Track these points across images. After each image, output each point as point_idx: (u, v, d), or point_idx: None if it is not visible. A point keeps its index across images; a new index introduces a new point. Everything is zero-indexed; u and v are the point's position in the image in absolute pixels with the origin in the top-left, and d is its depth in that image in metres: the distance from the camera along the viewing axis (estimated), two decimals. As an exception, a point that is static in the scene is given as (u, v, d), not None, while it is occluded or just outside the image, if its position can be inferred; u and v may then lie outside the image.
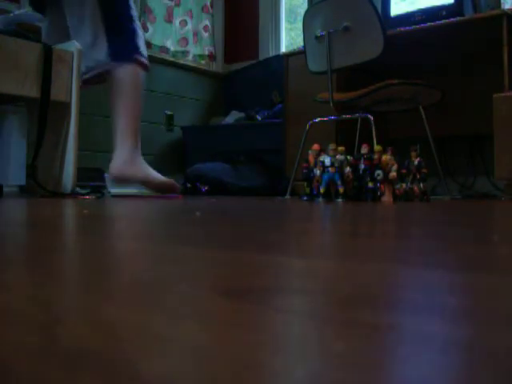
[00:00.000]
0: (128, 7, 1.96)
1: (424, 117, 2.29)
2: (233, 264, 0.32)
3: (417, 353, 0.15)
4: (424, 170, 1.74)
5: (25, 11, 1.82)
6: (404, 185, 1.72)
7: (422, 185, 1.72)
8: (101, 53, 1.90)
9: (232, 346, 0.16)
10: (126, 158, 1.83)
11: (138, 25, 1.98)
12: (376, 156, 1.75)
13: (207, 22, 3.74)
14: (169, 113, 3.54)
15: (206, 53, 3.75)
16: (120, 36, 1.93)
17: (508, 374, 0.13)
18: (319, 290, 0.24)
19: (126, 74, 1.90)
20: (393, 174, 1.69)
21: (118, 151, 1.85)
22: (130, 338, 0.17)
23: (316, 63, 2.31)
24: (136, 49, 1.93)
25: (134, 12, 2.00)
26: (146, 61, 1.96)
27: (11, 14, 1.75)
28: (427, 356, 0.15)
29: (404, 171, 1.74)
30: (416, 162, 1.74)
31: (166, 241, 0.46)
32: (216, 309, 0.21)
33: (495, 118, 1.97)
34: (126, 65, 1.90)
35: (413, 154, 1.76)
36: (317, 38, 2.25)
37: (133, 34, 1.95)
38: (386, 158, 1.71)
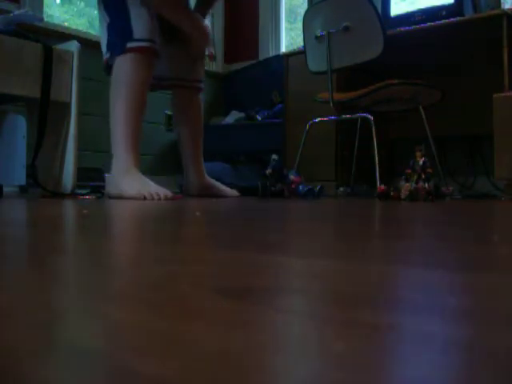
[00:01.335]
0: None
1: (424, 117, 2.29)
2: (233, 264, 0.32)
3: (417, 353, 0.15)
4: (429, 170, 1.74)
5: (25, 11, 1.82)
6: (409, 185, 1.72)
7: (426, 185, 1.72)
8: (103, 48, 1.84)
9: (232, 345, 0.16)
10: (116, 176, 1.72)
11: (133, 4, 1.76)
12: None
13: (207, 22, 3.74)
14: (169, 113, 3.55)
15: (206, 53, 3.75)
16: (111, 24, 1.81)
17: (508, 374, 0.13)
18: (319, 290, 0.24)
19: (115, 69, 1.77)
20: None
21: (112, 165, 1.75)
22: (130, 338, 0.17)
23: (316, 63, 2.31)
24: (127, 35, 1.75)
25: None
26: (143, 44, 1.75)
27: (11, 14, 1.75)
28: (427, 356, 0.15)
29: (409, 171, 1.74)
30: (421, 162, 1.74)
31: (166, 241, 0.46)
32: (216, 309, 0.21)
33: (495, 117, 1.97)
34: (119, 57, 1.75)
35: (418, 153, 1.76)
36: (317, 38, 2.25)
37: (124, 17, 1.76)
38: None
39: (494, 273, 0.30)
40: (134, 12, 1.78)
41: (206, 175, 2.13)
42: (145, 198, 1.60)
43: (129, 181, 1.68)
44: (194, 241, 0.46)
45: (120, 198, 1.69)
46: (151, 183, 1.69)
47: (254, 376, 0.13)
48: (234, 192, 2.12)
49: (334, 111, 2.30)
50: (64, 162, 1.80)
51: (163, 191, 1.64)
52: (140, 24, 1.78)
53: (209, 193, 2.08)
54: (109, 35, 1.82)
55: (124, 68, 1.76)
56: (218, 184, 2.12)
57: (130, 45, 1.75)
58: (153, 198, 1.60)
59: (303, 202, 1.57)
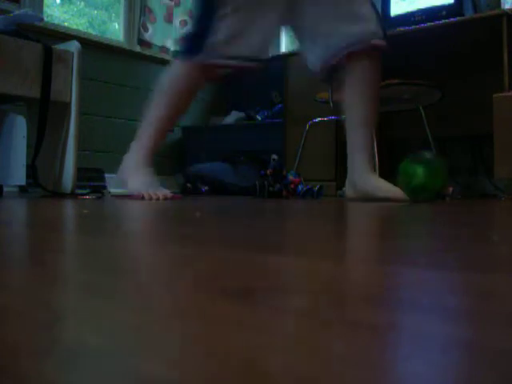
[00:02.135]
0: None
1: (424, 117, 2.29)
2: (233, 264, 0.32)
3: (417, 353, 0.15)
4: None
5: (25, 11, 1.82)
6: None
7: None
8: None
9: (232, 346, 0.16)
10: (125, 170, 1.70)
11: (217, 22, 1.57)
12: None
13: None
14: (169, 113, 3.54)
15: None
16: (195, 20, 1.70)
17: (508, 373, 0.13)
18: (319, 290, 0.24)
19: (173, 69, 1.69)
20: None
21: (124, 158, 1.73)
22: (130, 338, 0.17)
23: (316, 63, 2.31)
24: (202, 46, 1.60)
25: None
26: (215, 61, 1.61)
27: (11, 14, 1.75)
28: (427, 356, 0.15)
29: None
30: None
31: (165, 241, 0.46)
32: (216, 309, 0.21)
33: (495, 117, 1.97)
34: (184, 62, 1.65)
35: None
36: (317, 37, 2.25)
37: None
38: None
39: (494, 273, 0.30)
40: (222, 16, 1.57)
41: (368, 174, 1.63)
42: (143, 198, 1.59)
43: (134, 178, 1.67)
44: (194, 241, 0.46)
45: (121, 194, 1.71)
46: (154, 184, 1.66)
47: (254, 376, 0.13)
48: (397, 192, 1.52)
49: (334, 111, 2.30)
50: (64, 161, 1.80)
51: (162, 192, 1.63)
52: (222, 34, 1.58)
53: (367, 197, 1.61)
54: (190, 31, 1.69)
55: (183, 75, 1.65)
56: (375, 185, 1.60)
57: (199, 58, 1.61)
58: (151, 198, 1.58)
59: (302, 202, 1.57)
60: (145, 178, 1.65)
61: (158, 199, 1.58)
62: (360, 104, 1.65)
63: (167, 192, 1.65)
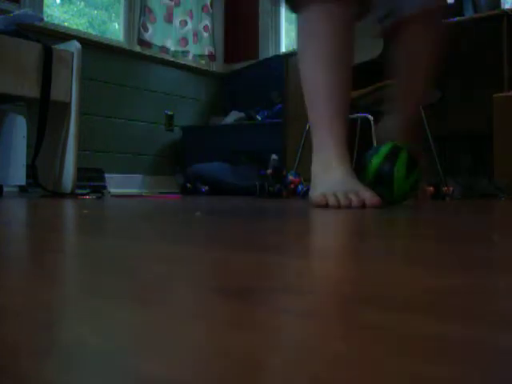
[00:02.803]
0: None
1: (424, 117, 2.29)
2: (233, 264, 0.32)
3: (417, 353, 0.15)
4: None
5: (25, 11, 1.82)
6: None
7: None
8: None
9: (232, 346, 0.16)
10: (315, 170, 1.22)
11: None
12: None
13: (207, 22, 3.75)
14: (169, 113, 3.55)
15: (206, 53, 3.76)
16: None
17: (508, 373, 0.13)
18: (319, 290, 0.24)
19: (299, 25, 1.31)
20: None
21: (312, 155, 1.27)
22: (129, 338, 0.17)
23: (316, 63, 2.31)
24: None
25: None
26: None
27: (11, 14, 1.75)
28: (426, 356, 0.15)
29: None
30: None
31: (165, 240, 0.46)
32: (216, 309, 0.21)
33: (495, 117, 1.98)
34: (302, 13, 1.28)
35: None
36: (317, 37, 2.25)
37: None
38: None
39: (494, 273, 0.30)
40: None
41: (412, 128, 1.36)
42: (327, 205, 1.09)
43: (322, 179, 1.19)
44: (194, 241, 0.46)
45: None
46: (350, 183, 1.14)
47: (254, 376, 0.13)
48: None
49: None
50: (64, 161, 1.80)
51: (362, 194, 1.10)
52: None
53: None
54: None
55: (308, 24, 1.26)
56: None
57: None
58: (339, 205, 1.08)
59: (302, 202, 1.57)
60: (336, 175, 1.17)
61: (349, 206, 1.08)
62: (413, 78, 1.43)
63: (370, 196, 1.10)
